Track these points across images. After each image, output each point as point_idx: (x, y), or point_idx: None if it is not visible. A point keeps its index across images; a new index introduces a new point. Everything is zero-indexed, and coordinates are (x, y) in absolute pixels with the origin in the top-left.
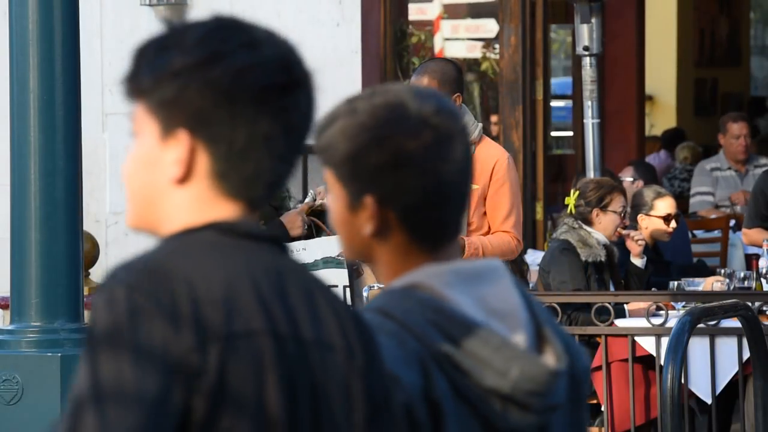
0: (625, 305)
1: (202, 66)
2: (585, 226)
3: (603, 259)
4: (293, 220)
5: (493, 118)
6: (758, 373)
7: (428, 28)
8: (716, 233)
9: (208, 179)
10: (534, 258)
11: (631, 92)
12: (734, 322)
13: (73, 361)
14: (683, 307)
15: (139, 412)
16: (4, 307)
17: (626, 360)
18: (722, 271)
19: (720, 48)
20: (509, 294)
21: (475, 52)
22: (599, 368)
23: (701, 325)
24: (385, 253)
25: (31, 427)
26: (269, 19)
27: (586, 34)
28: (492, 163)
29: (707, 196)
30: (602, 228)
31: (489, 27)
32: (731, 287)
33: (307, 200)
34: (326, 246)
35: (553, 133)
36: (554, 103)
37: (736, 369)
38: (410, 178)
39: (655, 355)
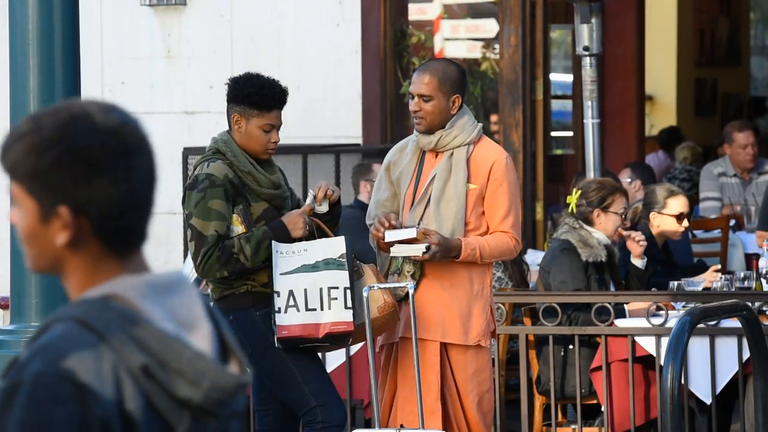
0: (625, 305)
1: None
2: (586, 226)
3: (603, 259)
4: (295, 221)
5: (493, 118)
6: (758, 373)
7: (428, 28)
8: (716, 233)
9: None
10: (534, 258)
11: (631, 92)
12: (734, 322)
13: None
14: (683, 307)
15: None
16: (4, 307)
17: (626, 360)
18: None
19: (720, 48)
20: (195, 305)
21: (475, 52)
22: (599, 368)
23: (701, 325)
24: (78, 263)
25: None
26: (269, 19)
27: (586, 34)
28: (489, 164)
29: (716, 202)
30: (603, 228)
31: (489, 27)
32: (731, 287)
33: (308, 202)
34: (327, 247)
35: (553, 133)
36: (554, 103)
37: (736, 369)
38: (104, 187)
39: (655, 355)
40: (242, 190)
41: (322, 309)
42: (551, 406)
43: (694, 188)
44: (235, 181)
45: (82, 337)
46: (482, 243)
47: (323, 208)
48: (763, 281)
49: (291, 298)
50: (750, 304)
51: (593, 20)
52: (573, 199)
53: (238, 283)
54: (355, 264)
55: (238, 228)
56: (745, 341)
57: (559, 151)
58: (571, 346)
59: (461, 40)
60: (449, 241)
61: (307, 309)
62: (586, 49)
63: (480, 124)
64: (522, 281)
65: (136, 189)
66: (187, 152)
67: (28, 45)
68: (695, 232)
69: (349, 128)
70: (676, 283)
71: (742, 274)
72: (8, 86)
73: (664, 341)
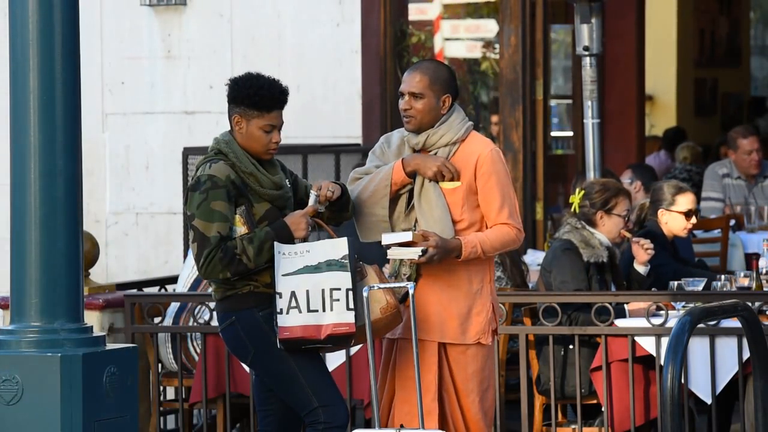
0: (625, 305)
1: None
2: (588, 227)
3: (605, 259)
4: (298, 221)
5: (493, 118)
6: (758, 373)
7: (428, 28)
8: (716, 233)
9: None
10: (534, 258)
11: (631, 92)
12: (734, 322)
13: (73, 361)
14: (683, 307)
15: None
16: (4, 307)
17: (626, 360)
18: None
19: (720, 48)
20: None
21: (475, 52)
22: (599, 368)
23: (701, 325)
24: None
25: (31, 427)
26: (269, 19)
27: (586, 34)
28: (474, 159)
29: (718, 203)
30: (606, 231)
31: (489, 27)
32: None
33: (311, 203)
34: (330, 249)
35: (553, 133)
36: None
37: (736, 369)
38: None
39: (655, 355)
40: (244, 191)
41: (324, 310)
42: (551, 406)
43: (694, 188)
44: (237, 182)
45: None
46: (482, 238)
47: (322, 207)
48: (763, 281)
49: (293, 299)
50: (750, 304)
51: (593, 20)
52: (576, 199)
53: (240, 283)
54: (358, 265)
55: (241, 229)
56: (745, 341)
57: (559, 151)
58: (571, 346)
59: (461, 40)
60: (448, 243)
61: (309, 310)
62: (586, 49)
63: (470, 123)
64: (522, 282)
65: None
66: (187, 152)
67: (28, 45)
68: (695, 231)
69: (349, 128)
70: (676, 283)
71: (742, 274)
72: (8, 86)
73: (664, 341)
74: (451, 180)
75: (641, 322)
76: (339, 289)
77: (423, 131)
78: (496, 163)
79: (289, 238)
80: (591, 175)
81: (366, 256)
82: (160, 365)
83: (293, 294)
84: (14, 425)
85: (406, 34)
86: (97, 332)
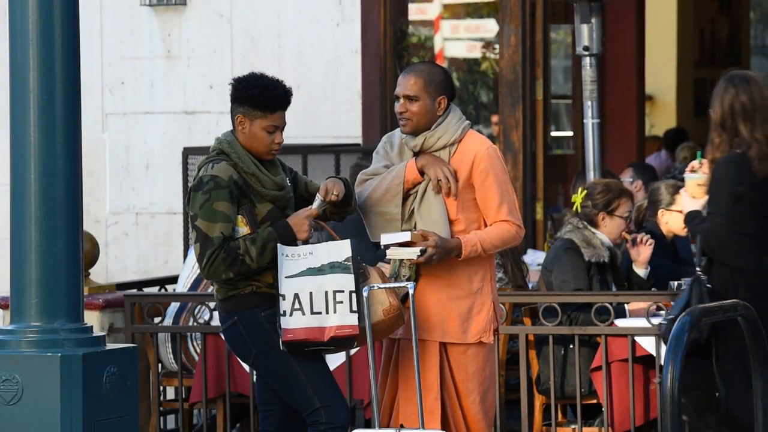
0: (625, 305)
1: None
2: (590, 227)
3: (606, 259)
4: (301, 223)
5: (494, 118)
6: (758, 373)
7: (428, 28)
8: None
9: None
10: (534, 258)
11: (631, 92)
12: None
13: (73, 361)
14: None
15: None
16: (4, 307)
17: (626, 360)
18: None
19: (720, 48)
20: None
21: (475, 52)
22: (599, 368)
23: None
24: None
25: (31, 427)
26: (269, 19)
27: (586, 34)
28: (471, 158)
29: None
30: (607, 231)
31: (489, 27)
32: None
33: (315, 205)
34: (333, 251)
35: (553, 133)
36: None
37: None
38: None
39: (655, 355)
40: (247, 192)
41: (327, 312)
42: (551, 406)
43: None
44: (239, 182)
45: None
46: (482, 236)
47: (325, 204)
48: None
49: (296, 301)
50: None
51: (593, 20)
52: (578, 198)
53: (242, 283)
54: (361, 267)
55: (243, 229)
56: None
57: (559, 151)
58: (571, 346)
59: (461, 40)
60: (448, 242)
61: (312, 312)
62: (586, 49)
63: (467, 122)
64: (522, 283)
65: None
66: (187, 152)
67: (28, 45)
68: None
69: (349, 128)
70: (676, 283)
71: None
72: (8, 86)
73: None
74: (447, 194)
75: (641, 322)
76: (342, 291)
77: (419, 134)
78: (493, 161)
79: (291, 239)
80: (591, 175)
81: (362, 258)
82: (160, 365)
83: (296, 296)
84: (14, 425)
85: (406, 34)
86: (97, 332)
